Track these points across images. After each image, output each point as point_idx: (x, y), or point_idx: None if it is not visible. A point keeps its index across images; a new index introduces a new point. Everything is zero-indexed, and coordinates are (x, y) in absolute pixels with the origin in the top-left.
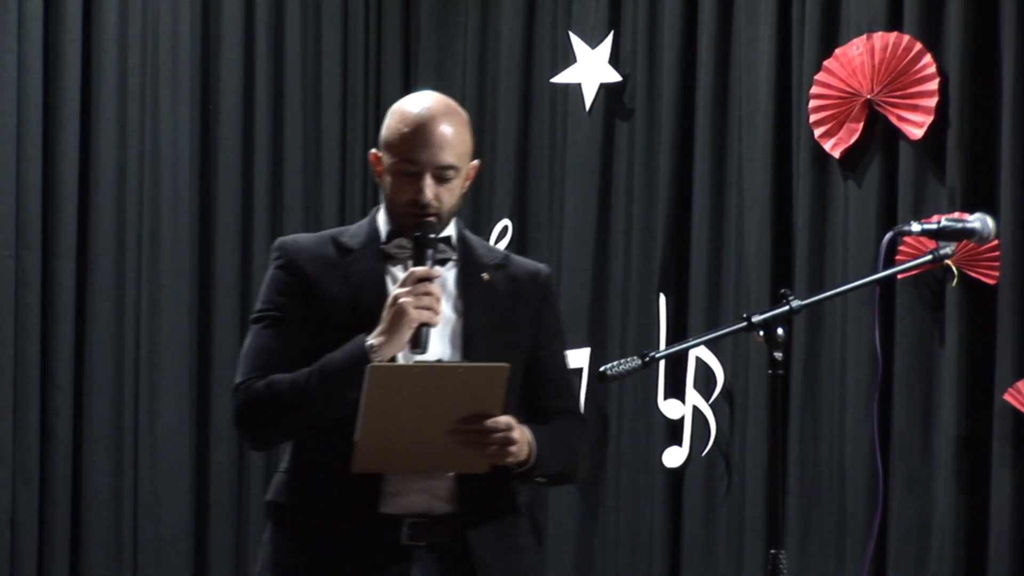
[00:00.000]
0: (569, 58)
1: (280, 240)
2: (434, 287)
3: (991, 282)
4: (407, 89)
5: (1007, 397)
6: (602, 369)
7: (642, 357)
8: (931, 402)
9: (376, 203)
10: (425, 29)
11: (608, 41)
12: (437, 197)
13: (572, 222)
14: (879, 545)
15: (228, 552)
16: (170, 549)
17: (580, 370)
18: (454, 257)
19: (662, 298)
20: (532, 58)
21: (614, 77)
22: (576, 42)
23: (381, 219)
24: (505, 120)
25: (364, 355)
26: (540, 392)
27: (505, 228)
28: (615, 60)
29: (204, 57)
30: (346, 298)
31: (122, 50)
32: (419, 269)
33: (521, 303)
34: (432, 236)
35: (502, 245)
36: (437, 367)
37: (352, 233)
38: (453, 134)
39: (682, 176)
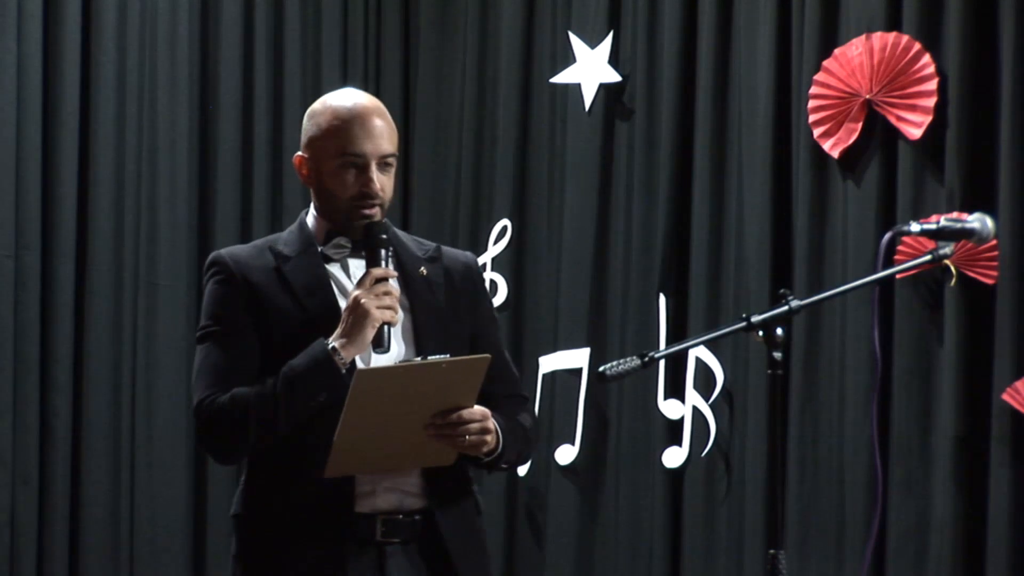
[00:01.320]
0: (569, 58)
1: (216, 254)
2: (391, 286)
3: (990, 282)
4: (407, 89)
5: (1006, 397)
6: (601, 369)
7: (642, 357)
8: (930, 402)
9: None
10: (425, 29)
11: (608, 41)
12: (382, 187)
13: (572, 222)
14: (878, 545)
15: (225, 551)
16: (167, 549)
17: (580, 370)
18: (391, 255)
19: (662, 298)
20: (532, 58)
21: (614, 77)
22: (576, 42)
23: (312, 222)
24: (505, 120)
25: (328, 358)
26: (484, 379)
27: (505, 228)
28: (615, 60)
29: (203, 57)
30: (293, 306)
31: (121, 50)
32: (377, 270)
33: (458, 294)
34: (384, 236)
35: (502, 245)
36: (423, 365)
37: (285, 240)
38: (388, 125)
39: (682, 176)
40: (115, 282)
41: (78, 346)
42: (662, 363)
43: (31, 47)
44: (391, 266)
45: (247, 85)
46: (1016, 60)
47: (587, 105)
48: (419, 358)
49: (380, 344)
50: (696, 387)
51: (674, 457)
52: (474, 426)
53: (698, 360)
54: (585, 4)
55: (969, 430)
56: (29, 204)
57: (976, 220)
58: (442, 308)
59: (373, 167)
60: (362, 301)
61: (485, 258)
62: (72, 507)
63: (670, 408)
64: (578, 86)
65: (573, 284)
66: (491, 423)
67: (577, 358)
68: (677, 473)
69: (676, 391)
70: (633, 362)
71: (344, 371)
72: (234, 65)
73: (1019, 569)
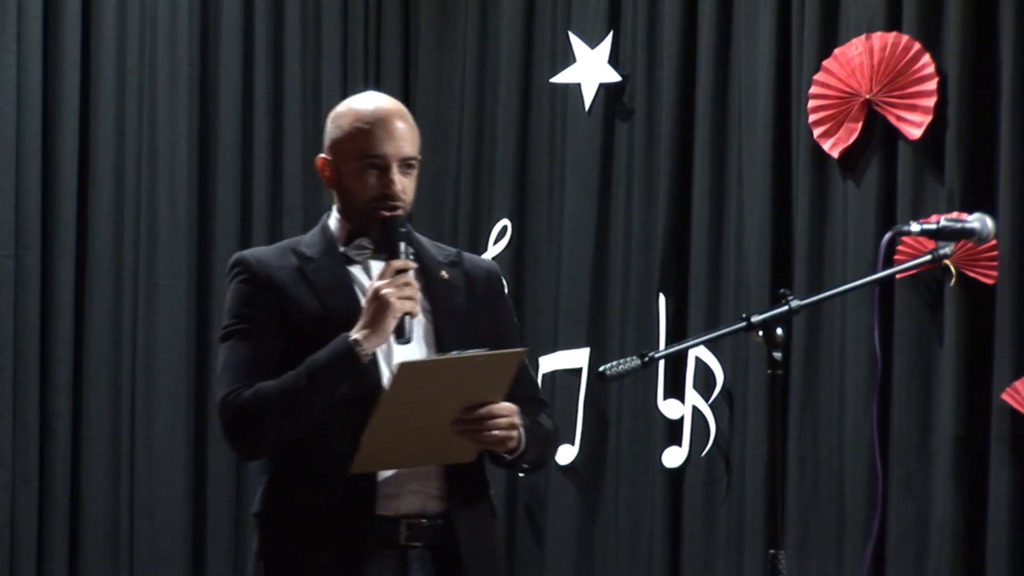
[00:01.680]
0: (569, 58)
1: (239, 255)
2: (411, 278)
3: (989, 282)
4: (407, 89)
5: (1005, 397)
6: (601, 369)
7: (642, 357)
8: (930, 402)
9: None
10: (425, 29)
11: (608, 41)
12: (403, 189)
13: (572, 222)
14: (878, 545)
15: (225, 552)
16: (167, 549)
17: (580, 370)
18: (412, 256)
19: (662, 298)
20: (532, 58)
21: (614, 77)
22: (576, 42)
23: (334, 225)
24: (505, 120)
25: (350, 349)
26: None
27: (505, 228)
28: (615, 60)
29: (203, 57)
30: (317, 306)
31: (121, 50)
32: (396, 261)
33: (478, 299)
34: (403, 230)
35: (501, 245)
36: (463, 358)
37: (308, 242)
38: (409, 128)
39: (682, 176)
40: (115, 282)
41: (78, 346)
42: (662, 363)
43: (31, 47)
44: (410, 260)
45: (247, 85)
46: (1016, 60)
47: (587, 105)
48: (455, 352)
49: (401, 335)
50: (696, 387)
51: (674, 457)
52: (502, 421)
53: (698, 360)
54: (585, 4)
55: (969, 430)
56: (29, 204)
57: (976, 220)
58: (463, 312)
59: (394, 169)
60: (383, 292)
61: (485, 257)
62: (72, 507)
63: (670, 408)
64: (578, 86)
65: (573, 284)
66: (517, 419)
67: (577, 358)
68: (677, 473)
69: (676, 391)
70: (633, 362)
71: (365, 362)
72: (234, 65)
73: (1019, 569)
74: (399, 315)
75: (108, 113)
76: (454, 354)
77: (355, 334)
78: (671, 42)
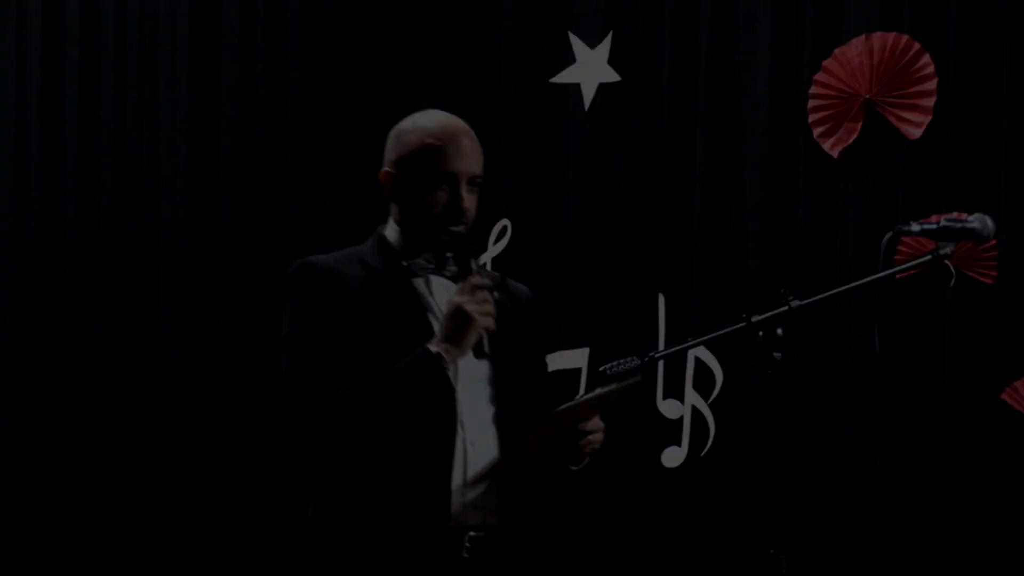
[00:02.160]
0: (568, 58)
1: (305, 261)
2: (488, 295)
3: (989, 282)
4: (407, 90)
5: (1005, 397)
6: (601, 369)
7: (641, 357)
8: (930, 402)
9: (376, 210)
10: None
11: (607, 41)
12: (470, 207)
13: (572, 222)
14: (878, 545)
15: (225, 552)
16: (167, 549)
17: (579, 370)
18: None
19: (661, 298)
20: (532, 58)
21: (613, 77)
22: (575, 42)
23: (393, 237)
24: (505, 120)
25: (434, 362)
26: (534, 397)
27: (504, 228)
28: (615, 60)
29: (203, 57)
30: (386, 313)
31: (121, 51)
32: (474, 278)
33: (524, 323)
34: (474, 248)
35: (502, 245)
36: (606, 396)
37: (368, 253)
38: (476, 145)
39: (682, 176)
40: (115, 282)
41: (78, 346)
42: (661, 363)
43: (31, 47)
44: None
45: (247, 85)
46: (1016, 60)
47: (586, 105)
48: (599, 389)
49: (480, 350)
50: (695, 387)
51: (673, 457)
52: (596, 437)
53: (697, 360)
54: (585, 4)
55: (969, 430)
56: (29, 204)
57: (976, 220)
58: (512, 330)
59: (463, 186)
60: (466, 307)
61: (485, 258)
62: (72, 507)
63: (669, 408)
64: (577, 86)
65: (573, 284)
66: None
67: (577, 358)
68: (677, 473)
69: (675, 391)
70: (633, 362)
71: (446, 375)
72: (234, 65)
73: (1019, 569)
74: (480, 331)
75: (108, 114)
76: (596, 392)
77: (437, 347)
78: (671, 42)
